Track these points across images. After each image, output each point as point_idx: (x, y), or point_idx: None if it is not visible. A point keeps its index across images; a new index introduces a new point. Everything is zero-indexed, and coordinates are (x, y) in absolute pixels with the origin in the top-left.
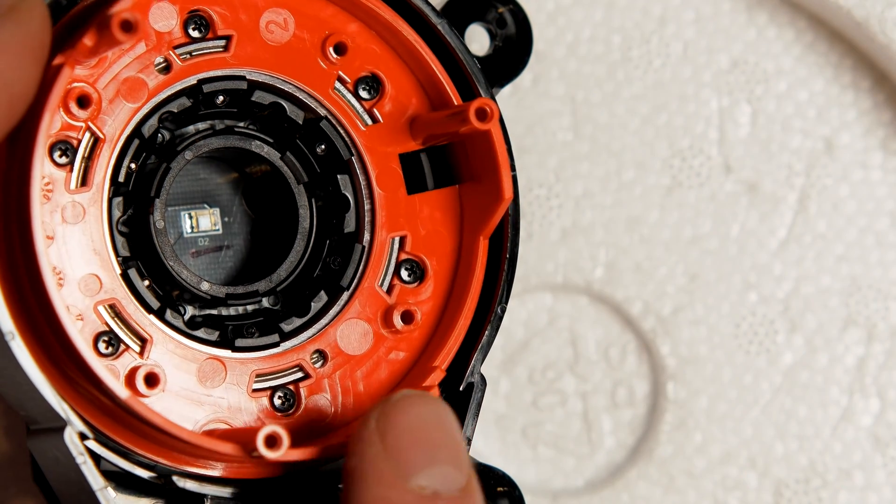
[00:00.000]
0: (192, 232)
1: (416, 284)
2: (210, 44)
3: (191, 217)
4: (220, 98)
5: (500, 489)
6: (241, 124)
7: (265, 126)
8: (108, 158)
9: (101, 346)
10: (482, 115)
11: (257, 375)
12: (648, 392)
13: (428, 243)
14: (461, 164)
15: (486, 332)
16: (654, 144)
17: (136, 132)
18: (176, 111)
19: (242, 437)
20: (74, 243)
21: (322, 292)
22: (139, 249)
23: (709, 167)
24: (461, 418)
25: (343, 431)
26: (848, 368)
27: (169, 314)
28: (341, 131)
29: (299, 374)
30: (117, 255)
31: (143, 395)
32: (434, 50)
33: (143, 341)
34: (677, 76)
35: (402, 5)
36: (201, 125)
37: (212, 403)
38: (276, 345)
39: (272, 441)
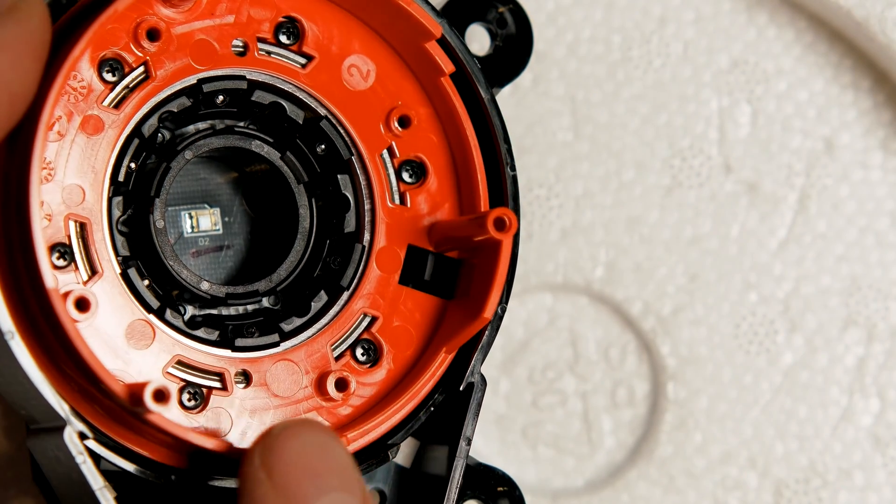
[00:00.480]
0: (193, 232)
1: (367, 366)
2: (291, 55)
3: (191, 217)
4: (220, 98)
5: (500, 489)
6: (242, 124)
7: (265, 126)
8: (112, 148)
9: (55, 256)
10: (500, 224)
11: (178, 362)
12: (648, 392)
13: (394, 335)
14: (459, 283)
15: (487, 333)
16: (654, 144)
17: (136, 132)
18: (176, 111)
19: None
20: (75, 160)
21: (322, 292)
22: (139, 249)
23: (709, 167)
24: (461, 418)
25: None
26: (848, 368)
27: (169, 314)
28: (341, 131)
29: (217, 384)
30: (117, 254)
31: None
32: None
33: (94, 273)
34: (677, 76)
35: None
36: (201, 125)
37: (125, 361)
38: (276, 344)
39: (160, 396)
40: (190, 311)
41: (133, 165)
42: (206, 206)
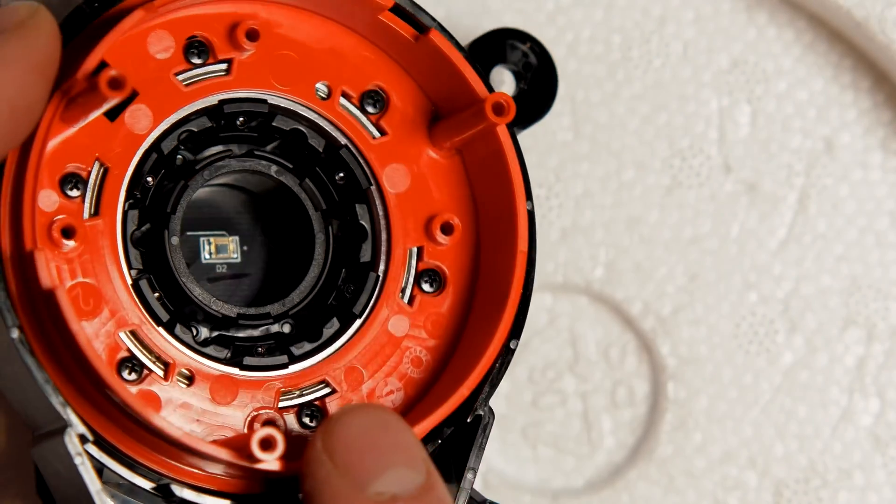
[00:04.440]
0: (210, 258)
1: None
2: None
3: (209, 243)
4: (241, 120)
5: None
6: (261, 149)
7: (285, 151)
8: (119, 187)
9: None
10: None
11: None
12: (648, 392)
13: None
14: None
15: (498, 366)
16: (654, 144)
17: (155, 147)
18: (196, 130)
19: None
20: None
21: (334, 319)
22: (153, 264)
23: (709, 167)
24: (466, 451)
25: None
26: (848, 368)
27: (179, 329)
28: (360, 160)
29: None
30: (130, 267)
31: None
32: None
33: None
34: (677, 76)
35: None
36: (221, 147)
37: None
38: (284, 366)
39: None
40: (203, 332)
41: (150, 180)
42: (225, 233)
